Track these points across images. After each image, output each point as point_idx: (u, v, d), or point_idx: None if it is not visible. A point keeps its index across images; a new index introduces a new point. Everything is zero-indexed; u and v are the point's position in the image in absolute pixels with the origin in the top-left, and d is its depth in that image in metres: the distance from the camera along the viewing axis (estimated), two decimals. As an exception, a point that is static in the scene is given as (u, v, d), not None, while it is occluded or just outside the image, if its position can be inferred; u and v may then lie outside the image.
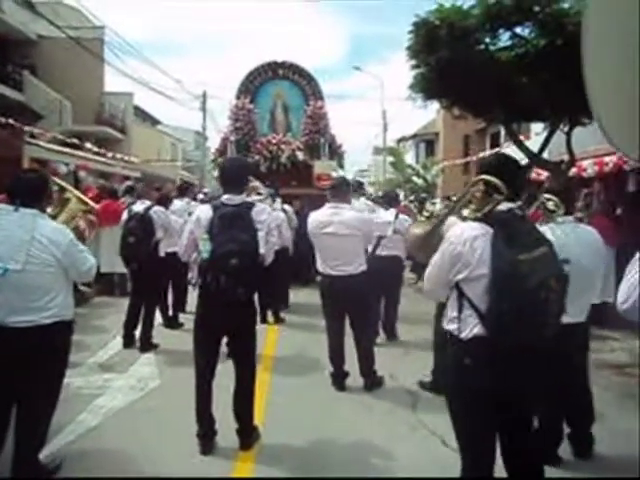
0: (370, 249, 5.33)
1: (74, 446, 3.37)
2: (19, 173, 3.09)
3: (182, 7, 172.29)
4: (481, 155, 21.39)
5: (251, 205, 3.25)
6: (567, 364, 3.15)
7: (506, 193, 2.19)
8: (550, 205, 3.37)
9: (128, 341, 5.52)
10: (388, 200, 6.58)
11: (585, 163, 11.17)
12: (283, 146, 10.92)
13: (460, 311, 2.21)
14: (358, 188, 8.57)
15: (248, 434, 3.36)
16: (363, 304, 4.46)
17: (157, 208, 5.61)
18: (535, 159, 8.83)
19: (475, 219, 2.27)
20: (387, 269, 5.69)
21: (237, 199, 3.23)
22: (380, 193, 12.91)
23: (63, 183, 3.57)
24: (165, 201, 6.31)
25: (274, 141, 10.98)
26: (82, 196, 3.51)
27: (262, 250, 3.15)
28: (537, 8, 6.91)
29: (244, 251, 3.04)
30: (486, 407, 2.23)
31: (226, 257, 3.02)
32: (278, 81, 11.65)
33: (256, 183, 4.74)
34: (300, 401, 4.19)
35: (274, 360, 5.24)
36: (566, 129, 9.17)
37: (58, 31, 16.89)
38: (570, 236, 3.14)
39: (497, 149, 21.12)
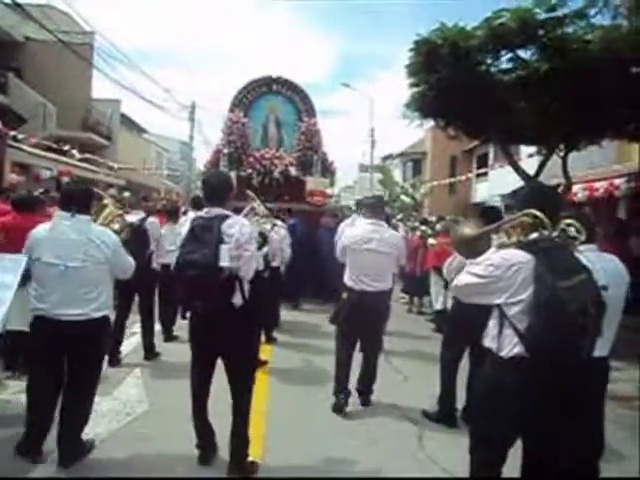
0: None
1: (62, 474, 3.09)
2: (69, 185, 3.61)
3: (172, 19, 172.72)
4: (469, 175, 21.58)
5: (225, 217, 3.13)
6: (588, 398, 2.99)
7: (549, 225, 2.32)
8: (571, 231, 3.23)
9: (114, 360, 5.18)
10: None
11: (576, 188, 11.24)
12: (276, 161, 10.92)
13: (501, 330, 2.35)
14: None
15: (237, 463, 3.20)
16: (382, 320, 4.64)
17: (151, 219, 5.52)
18: (532, 182, 8.79)
19: (518, 246, 2.38)
20: None
21: (214, 212, 3.17)
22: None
23: (100, 191, 3.99)
24: (176, 213, 6.09)
25: (267, 155, 10.96)
26: (117, 203, 3.93)
27: (223, 263, 2.98)
28: (541, 32, 6.90)
29: (202, 263, 2.98)
30: (511, 427, 2.37)
31: (185, 268, 3.05)
32: (272, 96, 11.66)
33: (255, 203, 4.51)
34: (299, 430, 3.93)
35: (268, 387, 4.98)
36: (562, 154, 9.20)
37: (46, 34, 16.56)
38: (596, 265, 2.99)
39: (486, 170, 21.33)
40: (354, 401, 4.53)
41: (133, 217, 5.36)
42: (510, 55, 7.60)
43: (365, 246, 4.34)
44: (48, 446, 3.23)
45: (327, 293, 8.95)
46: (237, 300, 3.12)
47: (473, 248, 2.68)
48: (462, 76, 7.34)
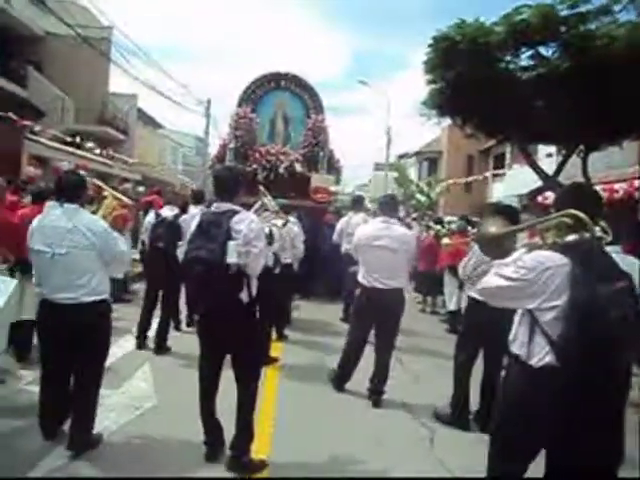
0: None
1: (65, 470, 3.06)
2: (61, 175, 3.50)
3: (187, 16, 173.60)
4: (485, 174, 21.33)
5: (234, 213, 3.10)
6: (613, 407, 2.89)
7: (592, 228, 2.13)
8: (597, 231, 3.13)
9: (141, 343, 5.59)
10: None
11: (595, 189, 11.03)
12: (282, 157, 10.84)
13: (531, 337, 2.19)
14: (358, 203, 8.46)
15: (237, 457, 3.19)
16: (396, 318, 4.54)
17: (185, 216, 5.67)
18: (550, 182, 8.63)
19: (553, 248, 2.20)
20: None
21: (223, 206, 3.15)
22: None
23: (100, 183, 4.16)
24: (185, 207, 6.19)
25: (273, 151, 10.90)
26: (117, 194, 3.97)
27: (231, 260, 2.94)
28: (564, 28, 6.75)
29: (209, 259, 2.95)
30: (537, 439, 2.23)
31: (193, 263, 3.02)
32: (280, 92, 11.57)
33: (266, 199, 4.41)
34: (308, 429, 3.87)
35: (278, 385, 4.93)
36: (582, 155, 9.01)
37: (65, 28, 16.67)
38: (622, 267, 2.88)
39: (503, 170, 21.07)
40: (365, 402, 4.47)
41: (167, 212, 5.64)
42: (531, 52, 7.45)
43: (375, 243, 4.37)
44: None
45: (331, 290, 8.93)
46: (244, 296, 3.09)
47: (499, 248, 2.51)
48: (481, 73, 7.21)
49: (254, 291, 3.14)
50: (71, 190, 3.28)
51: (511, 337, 2.36)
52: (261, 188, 4.58)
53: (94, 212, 3.57)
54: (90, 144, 17.29)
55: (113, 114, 22.58)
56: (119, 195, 4.01)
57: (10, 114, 13.10)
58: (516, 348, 2.28)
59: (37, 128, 14.59)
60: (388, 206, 4.58)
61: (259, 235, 3.12)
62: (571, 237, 2.18)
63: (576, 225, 2.16)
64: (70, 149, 16.15)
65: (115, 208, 3.79)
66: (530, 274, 2.15)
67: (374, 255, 4.38)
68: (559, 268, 2.11)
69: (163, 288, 5.76)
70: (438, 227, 9.31)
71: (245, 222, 3.06)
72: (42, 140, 14.69)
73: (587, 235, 2.13)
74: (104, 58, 19.27)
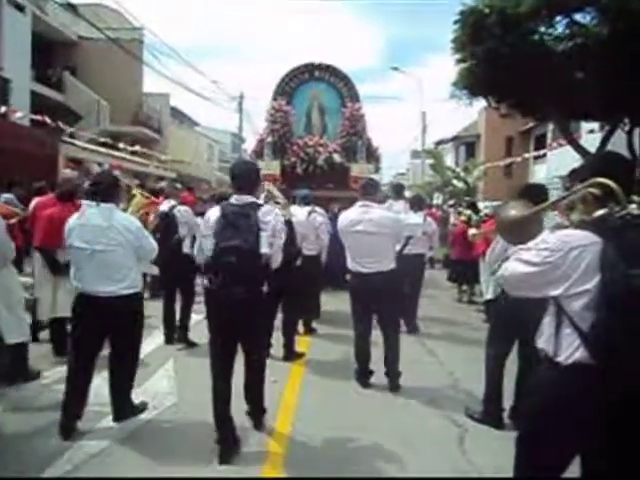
0: (398, 248, 5.30)
1: (75, 474, 2.99)
2: (96, 176, 3.86)
3: (215, 12, 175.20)
4: (525, 156, 20.45)
5: (258, 206, 3.26)
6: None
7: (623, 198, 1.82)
8: (634, 209, 2.79)
9: (170, 337, 5.70)
10: (416, 203, 7.11)
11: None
12: (320, 148, 10.79)
13: (558, 330, 1.93)
14: (400, 190, 8.25)
15: (257, 416, 3.58)
16: (392, 301, 4.50)
17: (181, 207, 5.67)
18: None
19: (580, 226, 1.92)
20: (411, 266, 6.17)
21: (245, 199, 3.26)
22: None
23: (128, 182, 4.75)
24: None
25: (311, 143, 10.84)
26: (144, 193, 4.31)
27: (264, 250, 3.12)
28: (602, -10, 6.26)
29: (243, 249, 3.05)
30: (568, 446, 1.97)
31: (225, 254, 3.08)
32: (315, 83, 11.45)
33: (274, 191, 4.76)
34: (330, 425, 3.67)
35: (304, 379, 4.78)
36: (627, 128, 8.42)
37: (98, 32, 16.99)
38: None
39: (544, 151, 20.16)
40: (391, 398, 4.27)
41: (164, 205, 5.61)
42: (566, 21, 6.97)
43: (355, 228, 4.39)
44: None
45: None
46: (265, 287, 3.28)
47: (521, 232, 2.24)
48: (512, 47, 6.79)
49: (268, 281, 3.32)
50: (105, 190, 3.49)
51: (539, 331, 2.08)
52: (266, 182, 4.76)
53: (124, 210, 3.89)
54: (120, 144, 17.56)
55: (147, 114, 22.95)
56: (146, 194, 4.36)
57: (46, 118, 13.43)
58: (542, 343, 2.02)
59: (71, 130, 14.92)
60: (367, 189, 4.58)
61: (284, 227, 3.38)
62: (600, 212, 1.89)
63: (605, 197, 1.87)
64: (104, 150, 16.47)
65: (143, 206, 4.11)
66: (554, 256, 1.87)
67: (355, 240, 4.43)
68: (588, 247, 1.84)
69: (174, 280, 5.77)
70: (469, 212, 8.93)
71: (272, 214, 3.27)
72: (77, 142, 15.04)
73: (618, 208, 1.83)
74: (137, 59, 19.59)
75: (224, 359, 3.29)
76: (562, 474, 2.00)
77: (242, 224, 3.10)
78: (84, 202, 3.54)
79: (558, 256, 1.86)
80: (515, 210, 2.28)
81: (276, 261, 3.32)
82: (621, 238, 1.81)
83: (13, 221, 4.69)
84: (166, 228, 5.40)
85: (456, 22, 7.30)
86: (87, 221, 3.43)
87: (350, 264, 4.52)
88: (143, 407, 3.79)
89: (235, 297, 3.13)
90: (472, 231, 6.24)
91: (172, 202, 5.71)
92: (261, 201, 3.66)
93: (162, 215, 5.43)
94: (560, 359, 1.90)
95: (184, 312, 5.75)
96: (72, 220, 3.53)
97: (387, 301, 4.44)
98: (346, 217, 4.55)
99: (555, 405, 1.92)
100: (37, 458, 3.12)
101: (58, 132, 14.47)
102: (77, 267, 3.51)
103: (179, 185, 9.25)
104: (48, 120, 13.34)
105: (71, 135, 15.51)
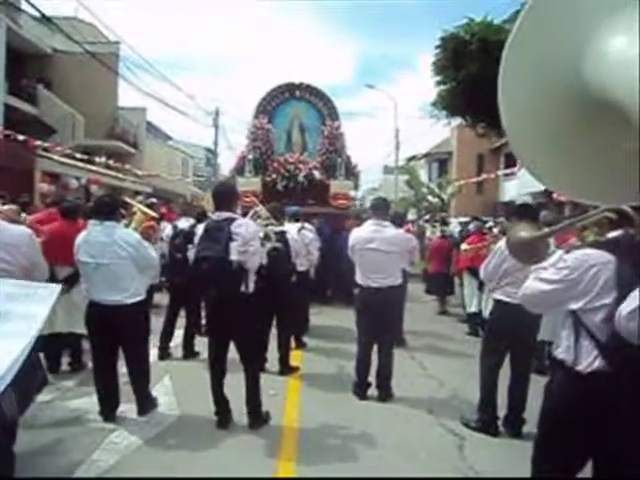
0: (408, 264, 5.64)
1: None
2: (99, 198, 4.31)
3: (191, 26, 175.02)
4: (498, 173, 21.08)
5: (233, 220, 3.70)
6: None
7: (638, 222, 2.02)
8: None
9: (163, 353, 5.73)
10: (396, 219, 6.95)
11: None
12: (300, 165, 11.00)
13: (577, 340, 2.06)
14: (389, 206, 8.46)
15: (254, 417, 3.91)
16: (395, 314, 4.78)
17: (200, 226, 5.74)
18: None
19: (594, 246, 2.08)
20: None
21: (224, 215, 3.75)
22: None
23: (128, 200, 4.95)
24: (200, 218, 6.26)
25: (291, 160, 11.04)
26: (144, 209, 4.64)
27: (233, 257, 3.56)
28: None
29: (213, 257, 3.57)
30: (586, 451, 2.11)
31: (200, 262, 3.67)
32: (295, 102, 11.71)
33: (258, 208, 5.04)
34: (334, 440, 3.80)
35: (302, 392, 4.88)
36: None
37: (73, 45, 16.83)
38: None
39: (514, 169, 20.80)
40: (390, 409, 4.40)
41: (184, 223, 5.91)
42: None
43: (369, 246, 4.57)
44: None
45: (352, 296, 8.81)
46: (243, 288, 3.71)
47: (531, 252, 2.35)
48: (493, 71, 7.12)
49: (251, 285, 3.80)
50: (107, 210, 3.89)
51: (556, 343, 2.25)
52: (253, 199, 5.00)
53: (127, 225, 4.31)
54: (98, 159, 17.34)
55: (123, 128, 22.74)
56: (146, 209, 4.67)
57: (17, 135, 13.16)
58: (561, 353, 2.15)
59: (47, 145, 14.66)
60: (379, 209, 4.77)
61: (255, 236, 3.81)
62: (614, 233, 2.07)
63: (619, 220, 2.05)
64: (81, 164, 16.26)
65: (144, 221, 4.47)
66: (574, 273, 2.03)
67: (368, 257, 4.59)
68: (604, 265, 1.99)
69: (185, 298, 5.85)
70: (444, 227, 9.25)
71: (243, 226, 3.69)
72: (54, 157, 14.81)
73: (632, 231, 2.03)
74: (112, 73, 19.45)
75: (217, 351, 3.91)
76: (575, 474, 2.15)
77: (216, 236, 3.63)
78: (91, 221, 3.95)
79: (578, 273, 2.02)
80: (525, 232, 2.45)
81: (253, 264, 3.76)
82: (635, 255, 1.98)
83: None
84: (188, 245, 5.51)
85: (437, 47, 7.60)
86: (92, 238, 3.83)
87: (361, 279, 4.67)
88: (155, 400, 4.25)
89: (211, 298, 3.84)
90: (464, 246, 6.51)
91: (191, 220, 5.93)
92: (241, 217, 4.05)
93: (184, 234, 5.61)
94: (580, 368, 2.04)
95: (189, 330, 5.88)
96: (80, 237, 3.91)
97: (391, 314, 4.67)
98: (359, 235, 4.71)
99: (573, 410, 2.05)
100: (52, 474, 3.14)
101: (33, 146, 14.23)
102: (85, 279, 3.93)
103: (154, 200, 9.30)
104: (20, 137, 12.97)
105: (45, 149, 15.27)
